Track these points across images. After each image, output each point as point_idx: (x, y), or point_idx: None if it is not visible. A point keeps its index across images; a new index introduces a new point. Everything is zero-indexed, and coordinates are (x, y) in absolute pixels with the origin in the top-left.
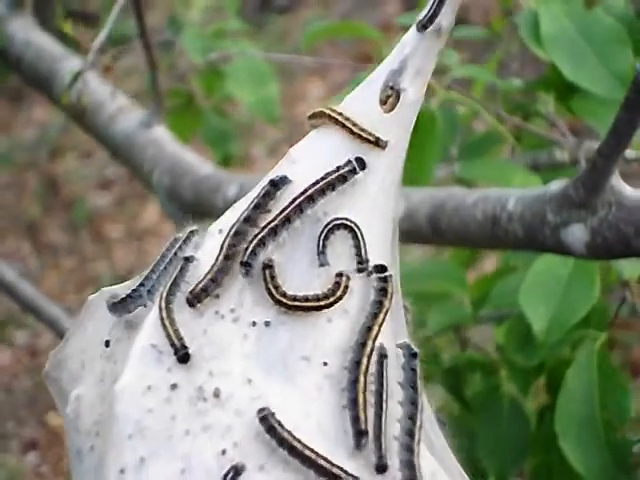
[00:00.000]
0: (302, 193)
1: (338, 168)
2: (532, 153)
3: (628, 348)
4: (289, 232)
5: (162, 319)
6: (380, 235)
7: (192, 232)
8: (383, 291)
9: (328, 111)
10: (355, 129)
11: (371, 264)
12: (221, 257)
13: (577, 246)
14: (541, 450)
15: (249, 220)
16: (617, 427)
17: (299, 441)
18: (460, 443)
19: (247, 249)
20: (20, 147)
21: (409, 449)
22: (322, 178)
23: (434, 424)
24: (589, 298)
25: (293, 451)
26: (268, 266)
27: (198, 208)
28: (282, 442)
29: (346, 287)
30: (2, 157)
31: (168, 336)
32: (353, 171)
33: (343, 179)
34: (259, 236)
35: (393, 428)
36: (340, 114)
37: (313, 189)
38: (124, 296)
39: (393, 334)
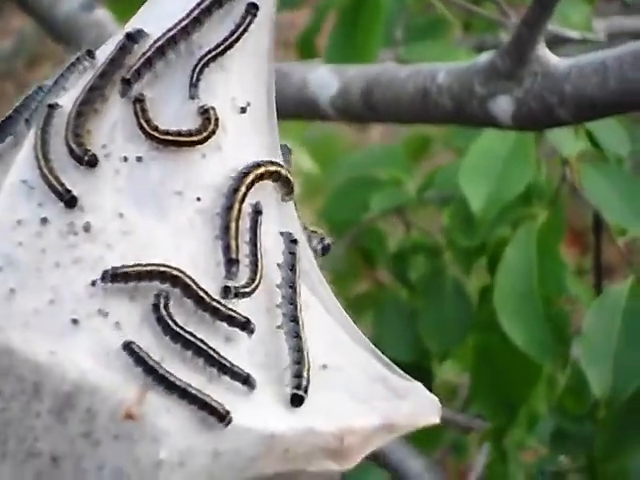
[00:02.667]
0: (186, 16)
1: None
2: (479, 36)
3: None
4: (164, 65)
5: (40, 168)
6: (255, 80)
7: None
8: None
9: None
10: None
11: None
12: (73, 114)
13: (503, 117)
14: (483, 329)
15: (104, 75)
16: (555, 300)
17: (153, 264)
18: (405, 324)
19: (132, 67)
20: None
21: (296, 335)
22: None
23: (313, 260)
24: (525, 175)
25: (152, 275)
26: (139, 100)
27: None
28: (139, 276)
29: (217, 120)
30: None
31: (50, 185)
32: None
33: None
34: (146, 55)
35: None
36: None
37: (195, 12)
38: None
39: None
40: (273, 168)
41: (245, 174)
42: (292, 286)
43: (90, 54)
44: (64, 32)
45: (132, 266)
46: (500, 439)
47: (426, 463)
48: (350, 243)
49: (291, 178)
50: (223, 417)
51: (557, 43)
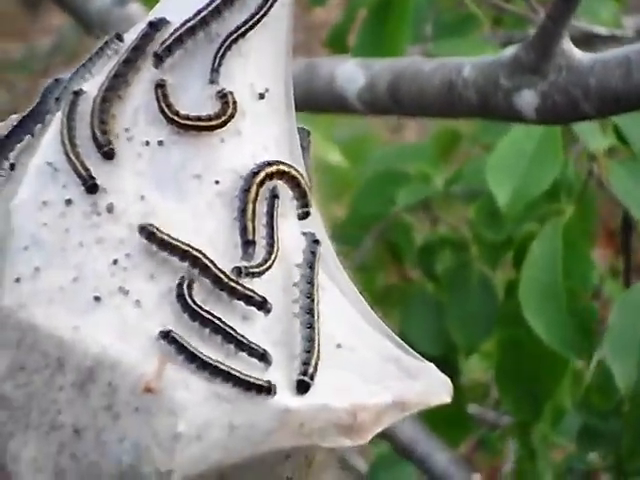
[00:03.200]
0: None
1: None
2: (507, 32)
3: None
4: (193, 44)
5: (67, 153)
6: (273, 68)
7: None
8: None
9: None
10: None
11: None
12: (99, 100)
13: (527, 110)
14: (509, 323)
15: (128, 62)
16: (580, 296)
17: (177, 240)
18: (432, 318)
19: (164, 43)
20: (37, 55)
21: (310, 326)
22: None
23: (330, 248)
24: (552, 171)
25: (173, 249)
26: (160, 85)
27: None
28: (162, 244)
29: (235, 104)
30: (19, 65)
31: (76, 170)
32: None
33: None
34: (178, 33)
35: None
36: None
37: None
38: (38, 100)
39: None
40: (295, 173)
41: (269, 164)
42: (310, 282)
43: (119, 38)
44: (97, 26)
45: (161, 232)
46: (525, 434)
47: (452, 456)
48: (377, 237)
49: (308, 193)
50: (270, 390)
51: (588, 42)
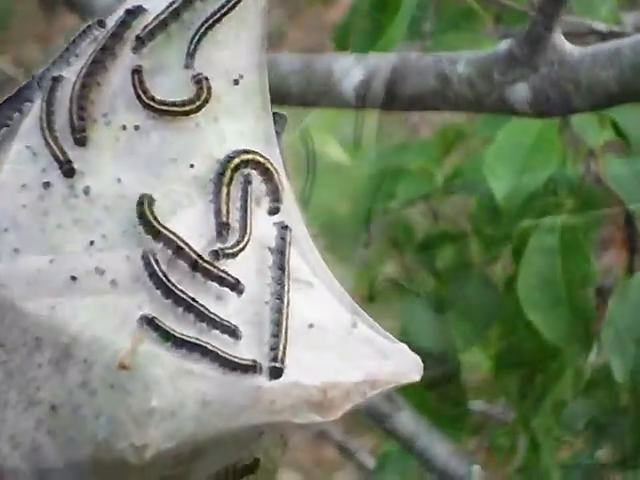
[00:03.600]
0: None
1: None
2: (507, 28)
3: None
4: (168, 34)
5: (45, 138)
6: (248, 55)
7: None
8: None
9: None
10: None
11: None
12: (78, 86)
13: (521, 104)
14: (508, 317)
15: (106, 49)
16: (579, 288)
17: (156, 219)
18: (432, 313)
19: (147, 27)
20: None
21: (279, 311)
22: None
23: (304, 229)
24: (549, 165)
25: (148, 226)
26: (137, 71)
27: None
28: (141, 217)
29: (209, 88)
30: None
31: (54, 154)
32: None
33: None
34: (162, 16)
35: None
36: None
37: None
38: (19, 88)
39: None
40: (269, 166)
41: (245, 151)
42: (280, 267)
43: (101, 24)
44: None
45: (150, 207)
46: (527, 428)
47: (453, 449)
48: (378, 232)
49: (280, 189)
50: (255, 368)
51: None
